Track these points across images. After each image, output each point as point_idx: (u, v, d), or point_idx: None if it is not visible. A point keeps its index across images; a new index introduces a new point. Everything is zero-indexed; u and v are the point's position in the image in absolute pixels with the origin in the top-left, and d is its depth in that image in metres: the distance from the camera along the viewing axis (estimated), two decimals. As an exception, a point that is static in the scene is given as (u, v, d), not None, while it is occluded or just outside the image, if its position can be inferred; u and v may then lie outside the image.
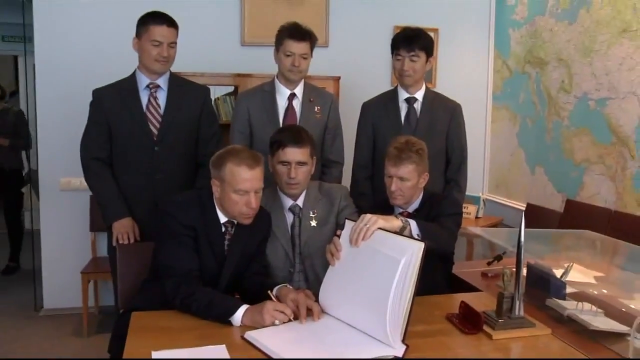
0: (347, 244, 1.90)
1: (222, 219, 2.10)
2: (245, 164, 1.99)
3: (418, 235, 2.02)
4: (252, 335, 1.72)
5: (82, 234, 4.02)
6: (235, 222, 2.11)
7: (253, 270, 2.20)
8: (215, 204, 2.10)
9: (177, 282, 1.95)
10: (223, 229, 2.11)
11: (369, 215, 1.90)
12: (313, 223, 2.35)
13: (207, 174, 2.50)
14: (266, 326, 1.79)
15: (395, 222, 1.98)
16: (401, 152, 2.27)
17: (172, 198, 2.15)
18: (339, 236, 1.95)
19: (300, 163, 2.26)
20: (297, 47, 2.74)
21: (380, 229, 1.87)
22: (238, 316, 1.83)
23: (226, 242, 2.12)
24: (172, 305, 1.95)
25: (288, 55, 2.76)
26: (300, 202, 2.35)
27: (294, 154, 2.25)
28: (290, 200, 2.34)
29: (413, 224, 2.05)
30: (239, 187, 1.99)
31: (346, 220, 1.98)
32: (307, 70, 2.84)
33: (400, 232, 1.95)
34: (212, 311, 1.86)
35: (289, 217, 2.35)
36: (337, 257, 1.91)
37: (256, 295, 1.98)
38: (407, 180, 2.28)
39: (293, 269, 2.33)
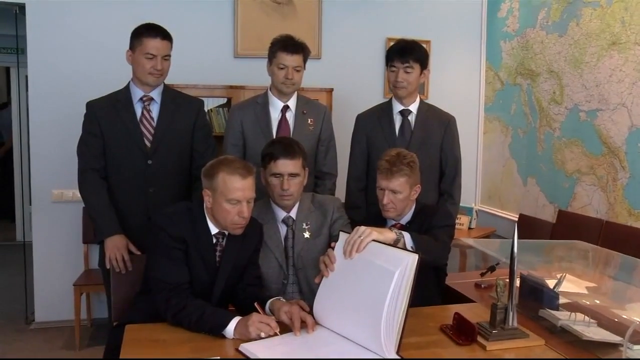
0: (341, 256, 1.91)
1: (213, 230, 2.10)
2: (238, 173, 2.00)
3: (412, 247, 2.02)
4: (246, 347, 1.72)
5: (75, 245, 3.99)
6: (227, 233, 2.11)
7: (247, 282, 2.19)
8: (206, 215, 2.09)
9: (167, 296, 1.95)
10: (214, 240, 2.11)
11: (362, 228, 1.90)
12: (306, 235, 2.35)
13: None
14: (252, 339, 1.79)
15: (389, 235, 1.98)
16: (392, 164, 2.27)
17: (162, 210, 2.14)
18: (333, 248, 1.95)
19: (293, 175, 2.27)
20: (290, 60, 2.75)
21: (374, 241, 1.87)
22: (230, 329, 1.83)
23: (217, 254, 2.12)
24: (164, 319, 1.95)
25: (281, 68, 2.77)
26: (293, 213, 2.36)
27: (286, 165, 2.25)
28: (283, 212, 2.35)
29: (407, 236, 2.05)
30: (231, 197, 1.99)
31: (340, 232, 1.98)
32: (300, 82, 2.85)
33: (394, 245, 1.95)
34: (204, 325, 1.86)
35: (282, 229, 2.35)
36: (330, 269, 1.91)
37: (250, 307, 1.98)
38: (399, 192, 2.28)
39: (287, 280, 2.33)
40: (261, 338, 1.79)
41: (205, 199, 2.06)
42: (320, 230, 2.38)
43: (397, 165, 2.27)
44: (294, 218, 2.35)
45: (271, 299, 2.01)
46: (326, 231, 2.39)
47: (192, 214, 2.09)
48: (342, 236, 1.94)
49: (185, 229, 2.05)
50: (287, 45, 2.76)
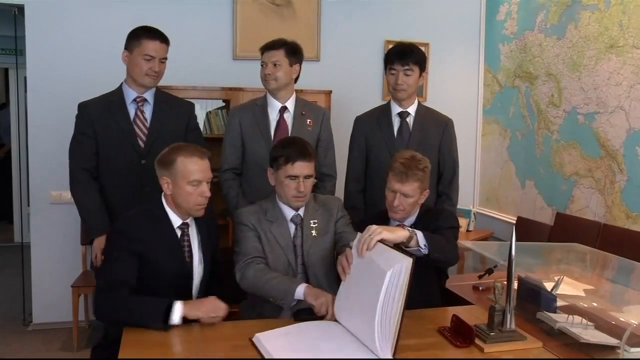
0: (356, 254, 1.93)
1: (177, 221, 2.15)
2: (196, 155, 2.09)
3: (425, 245, 2.02)
4: (258, 337, 1.78)
5: (73, 247, 3.99)
6: (189, 223, 2.17)
7: (218, 273, 2.31)
8: (167, 207, 2.14)
9: (109, 294, 1.97)
10: (180, 233, 2.15)
11: (374, 226, 1.91)
12: (314, 232, 2.36)
13: None
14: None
15: (402, 232, 1.98)
16: (408, 168, 2.26)
17: (123, 215, 2.17)
18: (351, 247, 1.97)
19: (308, 176, 2.28)
20: (266, 56, 2.80)
21: (383, 240, 1.88)
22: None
23: (186, 244, 2.16)
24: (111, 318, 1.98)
25: (262, 66, 2.82)
26: (301, 212, 2.36)
27: (302, 168, 2.25)
28: (292, 211, 2.35)
29: (419, 234, 2.04)
30: (193, 178, 2.07)
31: (358, 232, 2.00)
32: (284, 78, 2.83)
33: (407, 242, 1.97)
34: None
35: (291, 228, 2.35)
36: (347, 271, 1.93)
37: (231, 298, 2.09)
38: (411, 196, 2.28)
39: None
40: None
41: (164, 187, 2.11)
42: (327, 227, 2.39)
43: (412, 169, 2.26)
44: (302, 216, 2.36)
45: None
46: (332, 229, 2.40)
47: (153, 214, 2.13)
48: (358, 235, 1.96)
49: (146, 230, 2.08)
50: (268, 43, 2.82)
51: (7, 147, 6.87)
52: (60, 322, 4.00)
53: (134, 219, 2.12)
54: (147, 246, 2.06)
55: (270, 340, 1.76)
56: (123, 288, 1.97)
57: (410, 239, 2.00)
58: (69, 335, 3.82)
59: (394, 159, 2.34)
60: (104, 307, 1.94)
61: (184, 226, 2.16)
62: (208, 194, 2.12)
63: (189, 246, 2.17)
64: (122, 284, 1.98)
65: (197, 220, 2.21)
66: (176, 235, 2.14)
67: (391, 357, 1.66)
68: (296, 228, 2.34)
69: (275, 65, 2.79)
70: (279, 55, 2.80)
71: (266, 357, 1.67)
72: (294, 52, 2.84)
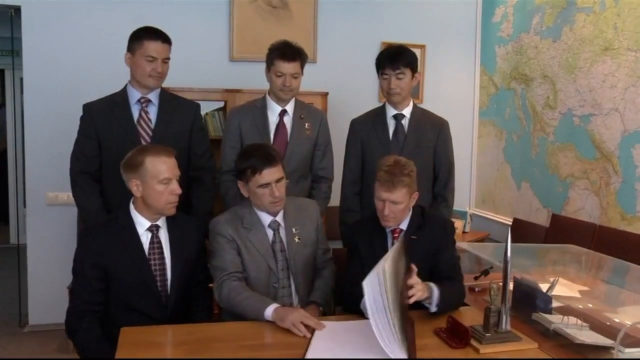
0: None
1: (146, 224, 2.15)
2: (163, 154, 2.12)
3: (436, 306, 2.03)
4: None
5: (69, 248, 3.89)
6: (159, 225, 2.17)
7: (195, 291, 2.30)
8: (135, 211, 2.15)
9: (81, 315, 2.09)
10: (149, 236, 2.15)
11: (420, 285, 1.95)
12: (297, 239, 2.36)
13: (204, 190, 2.66)
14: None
15: (427, 292, 2.00)
16: (393, 176, 2.21)
17: (87, 226, 2.21)
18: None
19: (279, 180, 2.27)
20: (287, 67, 2.76)
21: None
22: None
23: (153, 245, 2.16)
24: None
25: (279, 76, 2.77)
26: (279, 218, 2.35)
27: (271, 174, 2.23)
28: (269, 217, 2.34)
29: (435, 295, 2.04)
30: (163, 176, 2.09)
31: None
32: (298, 88, 2.85)
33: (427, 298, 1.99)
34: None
35: (270, 233, 2.34)
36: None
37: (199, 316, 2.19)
38: (400, 203, 2.24)
39: (277, 284, 2.32)
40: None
41: (133, 190, 2.12)
42: (309, 235, 2.41)
43: (397, 176, 2.21)
44: (279, 222, 2.36)
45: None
46: (314, 238, 2.43)
47: (118, 222, 2.15)
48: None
49: (107, 242, 2.10)
50: (285, 52, 2.76)
51: (2, 147, 6.85)
52: (57, 323, 3.97)
53: (96, 231, 2.17)
54: (108, 258, 2.08)
55: (325, 332, 1.89)
56: (88, 310, 2.08)
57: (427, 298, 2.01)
58: (65, 337, 3.77)
59: (378, 167, 2.29)
60: (70, 330, 2.11)
61: (154, 228, 2.16)
62: (179, 191, 2.14)
63: (160, 248, 2.16)
64: (86, 303, 2.08)
65: (170, 221, 2.21)
66: (140, 244, 2.14)
67: (406, 357, 1.66)
68: (274, 233, 2.34)
69: (294, 77, 2.79)
70: (297, 67, 2.79)
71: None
72: (305, 61, 2.85)
